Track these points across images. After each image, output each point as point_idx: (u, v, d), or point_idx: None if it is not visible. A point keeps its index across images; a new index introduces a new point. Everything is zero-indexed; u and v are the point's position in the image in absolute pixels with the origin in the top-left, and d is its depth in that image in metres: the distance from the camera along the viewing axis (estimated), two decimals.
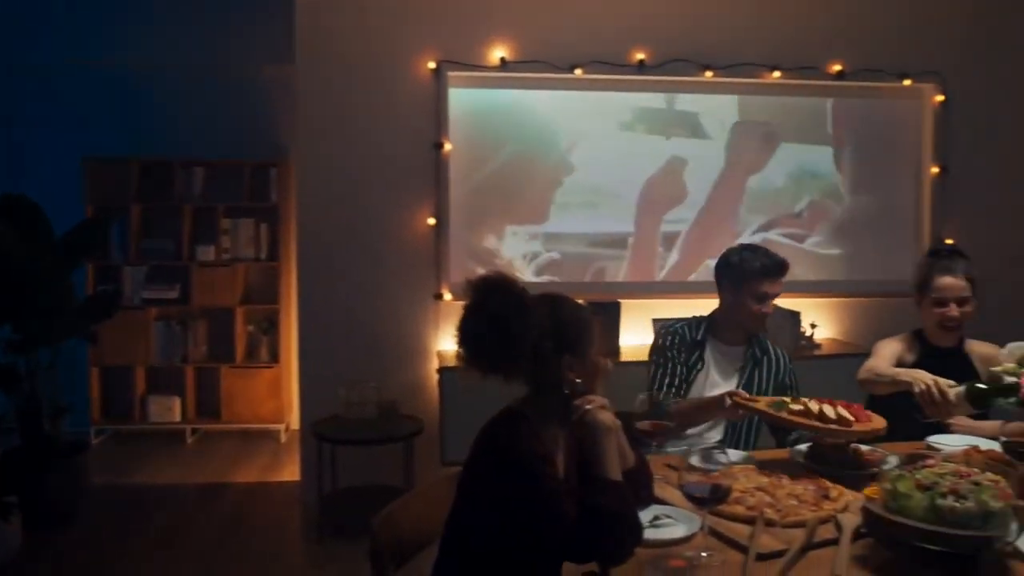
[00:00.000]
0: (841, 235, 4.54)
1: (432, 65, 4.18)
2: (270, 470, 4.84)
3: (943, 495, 1.54)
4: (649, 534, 1.70)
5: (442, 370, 3.94)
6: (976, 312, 2.68)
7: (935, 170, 4.52)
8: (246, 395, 5.39)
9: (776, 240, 4.44)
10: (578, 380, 1.71)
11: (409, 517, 1.95)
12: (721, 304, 2.76)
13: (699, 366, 2.71)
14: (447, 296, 4.27)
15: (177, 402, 5.38)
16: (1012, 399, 2.08)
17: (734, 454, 2.30)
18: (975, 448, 2.22)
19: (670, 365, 2.70)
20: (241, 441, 5.38)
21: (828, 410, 2.16)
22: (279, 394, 5.41)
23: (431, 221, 4.23)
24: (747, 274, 2.63)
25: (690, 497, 1.66)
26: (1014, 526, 1.55)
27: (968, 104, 4.48)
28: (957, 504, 1.52)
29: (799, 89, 4.42)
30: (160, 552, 3.69)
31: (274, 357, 5.45)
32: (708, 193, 4.44)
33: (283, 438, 5.41)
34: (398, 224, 4.23)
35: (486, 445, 1.70)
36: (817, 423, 2.12)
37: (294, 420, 5.22)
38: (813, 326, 4.26)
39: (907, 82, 4.44)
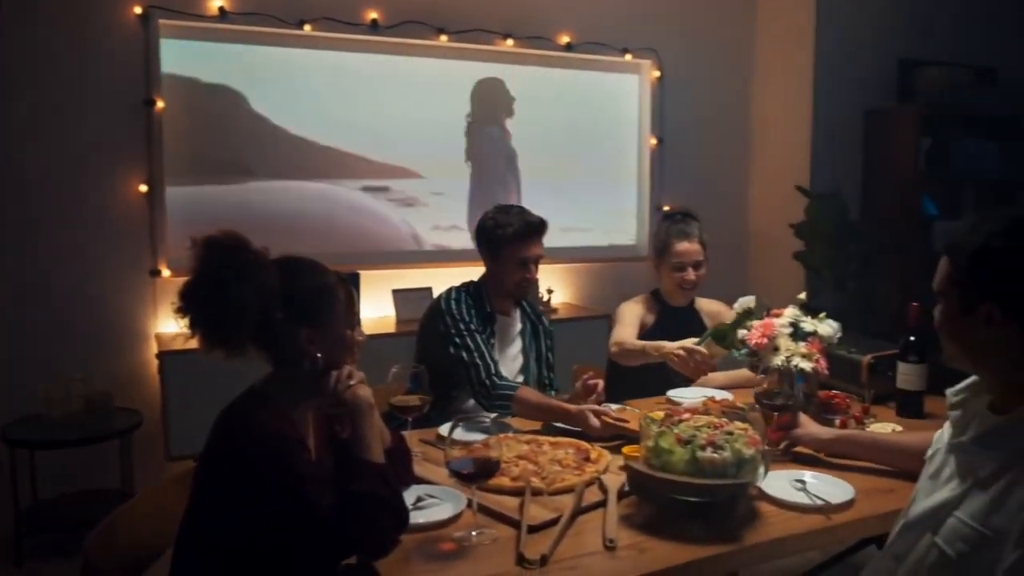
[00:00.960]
0: (572, 203, 4.70)
1: (139, 11, 3.66)
2: None
3: (702, 447, 1.57)
4: (414, 517, 1.57)
5: (162, 354, 3.50)
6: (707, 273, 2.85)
7: (653, 141, 4.81)
8: None
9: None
10: (319, 355, 1.52)
11: (131, 526, 1.66)
12: (486, 272, 2.63)
13: (492, 340, 2.57)
14: (165, 272, 3.81)
15: None
16: (744, 350, 2.22)
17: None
18: (711, 399, 2.35)
19: (468, 338, 2.44)
20: None
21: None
22: None
23: (143, 188, 3.73)
24: (503, 239, 2.52)
25: (457, 475, 1.55)
26: (761, 469, 1.62)
27: (680, 79, 4.82)
28: (716, 455, 1.56)
29: (531, 58, 4.48)
30: None
31: None
32: (444, 159, 4.37)
33: None
34: (106, 192, 3.69)
35: (225, 431, 1.46)
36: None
37: None
38: (550, 291, 4.37)
39: (628, 57, 4.67)
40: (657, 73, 4.77)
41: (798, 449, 1.96)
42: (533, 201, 4.64)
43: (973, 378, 1.47)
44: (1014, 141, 4.75)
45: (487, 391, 2.33)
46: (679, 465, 1.57)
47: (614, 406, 2.31)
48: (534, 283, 2.60)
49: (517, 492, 1.70)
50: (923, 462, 1.51)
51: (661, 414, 1.74)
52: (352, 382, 1.52)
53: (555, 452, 1.91)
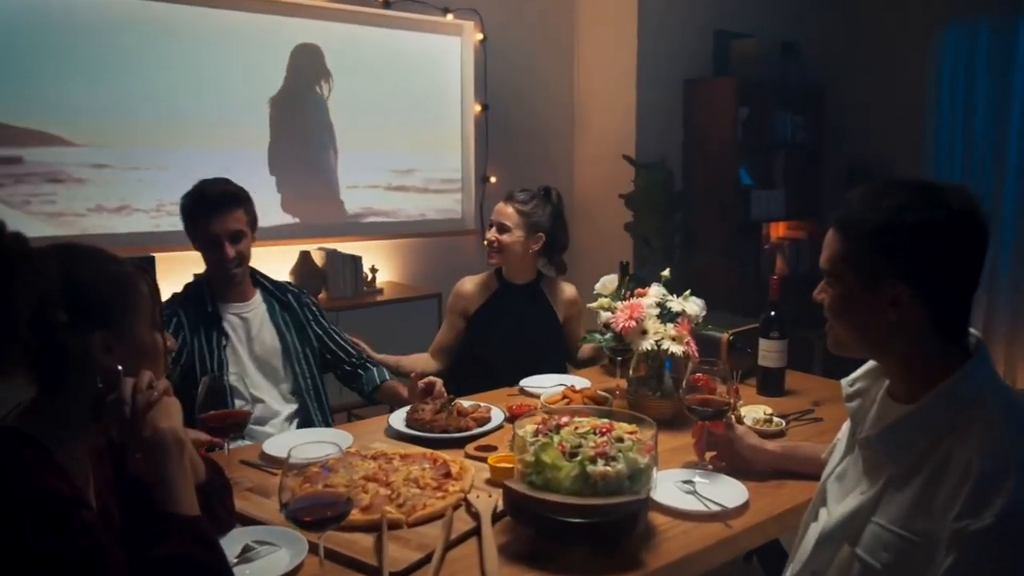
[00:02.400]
0: (393, 174, 4.36)
1: None
2: None
3: (591, 460, 1.34)
4: (241, 574, 1.23)
5: None
6: (526, 247, 2.61)
7: (477, 108, 4.56)
8: None
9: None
10: (120, 367, 1.14)
11: None
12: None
13: (224, 341, 2.22)
14: None
15: None
16: (608, 335, 2.02)
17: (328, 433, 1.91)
18: (571, 388, 2.15)
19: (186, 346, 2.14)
20: None
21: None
22: None
23: None
24: (185, 217, 2.19)
25: (297, 522, 1.22)
26: (654, 477, 1.42)
27: (503, 42, 4.58)
28: (608, 468, 1.33)
29: (348, 16, 4.06)
30: None
31: None
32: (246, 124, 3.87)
33: None
34: None
35: None
36: None
37: None
38: (374, 270, 4.03)
39: (449, 17, 4.36)
40: (480, 36, 4.49)
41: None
42: (351, 173, 4.32)
43: (869, 364, 1.34)
44: (818, 112, 4.96)
45: None
46: (566, 482, 1.33)
47: (467, 403, 2.05)
48: (234, 262, 2.19)
49: (372, 528, 1.40)
50: None
51: (530, 424, 1.48)
52: (155, 394, 1.15)
53: (409, 468, 1.62)
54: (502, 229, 2.56)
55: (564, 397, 2.11)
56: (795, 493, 1.58)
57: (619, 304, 1.99)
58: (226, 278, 2.23)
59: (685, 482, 1.59)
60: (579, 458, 1.34)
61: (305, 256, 3.84)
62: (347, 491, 1.26)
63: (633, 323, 1.93)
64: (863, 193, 1.23)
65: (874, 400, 1.30)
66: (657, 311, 1.97)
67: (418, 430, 1.91)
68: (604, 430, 1.44)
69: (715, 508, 1.48)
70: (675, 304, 1.98)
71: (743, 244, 4.74)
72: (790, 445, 1.75)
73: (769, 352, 2.18)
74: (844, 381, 1.36)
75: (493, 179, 4.60)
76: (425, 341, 2.80)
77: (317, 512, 1.21)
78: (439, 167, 4.55)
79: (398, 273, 4.35)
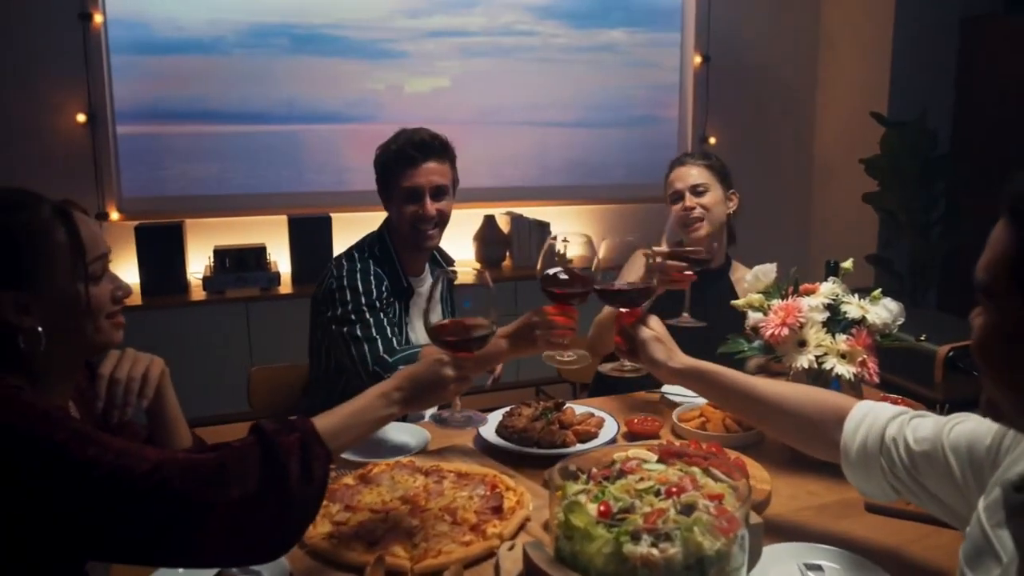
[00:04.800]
0: (595, 142, 4.00)
1: None
2: None
3: (635, 535, 0.94)
4: None
5: None
6: (724, 210, 2.13)
7: (698, 60, 4.04)
8: None
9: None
10: (40, 328, 1.02)
11: None
12: (387, 223, 2.00)
13: (406, 318, 1.97)
14: (114, 215, 3.31)
15: None
16: (756, 343, 1.55)
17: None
18: (713, 404, 1.71)
19: (370, 313, 1.84)
20: None
21: None
22: None
23: (81, 118, 3.21)
24: (388, 167, 1.91)
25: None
26: (741, 559, 0.99)
27: None
28: (654, 551, 0.93)
29: None
30: None
31: None
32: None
33: None
34: (38, 124, 3.18)
35: None
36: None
37: None
38: (565, 240, 3.71)
39: None
40: None
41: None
42: (546, 131, 3.98)
43: None
44: None
45: (385, 367, 1.75)
46: (597, 560, 0.95)
47: (580, 408, 1.69)
48: (432, 220, 1.91)
49: (359, 570, 1.11)
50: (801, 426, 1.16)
51: (592, 464, 1.10)
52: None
53: (456, 493, 1.31)
54: (698, 191, 2.07)
55: (701, 415, 1.68)
56: None
57: (775, 304, 1.51)
58: (417, 239, 1.94)
59: (808, 567, 1.13)
60: (618, 531, 0.95)
61: (489, 220, 3.63)
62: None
63: (786, 330, 1.44)
64: None
65: None
66: (823, 316, 1.46)
67: (506, 438, 1.59)
68: (678, 489, 1.03)
69: None
70: (852, 308, 1.46)
71: None
72: (705, 366, 1.31)
73: None
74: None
75: (712, 140, 4.08)
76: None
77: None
78: (649, 125, 4.12)
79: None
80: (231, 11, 3.41)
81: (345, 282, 1.86)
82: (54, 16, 3.12)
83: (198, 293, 3.20)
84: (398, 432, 1.66)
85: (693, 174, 2.07)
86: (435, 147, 1.90)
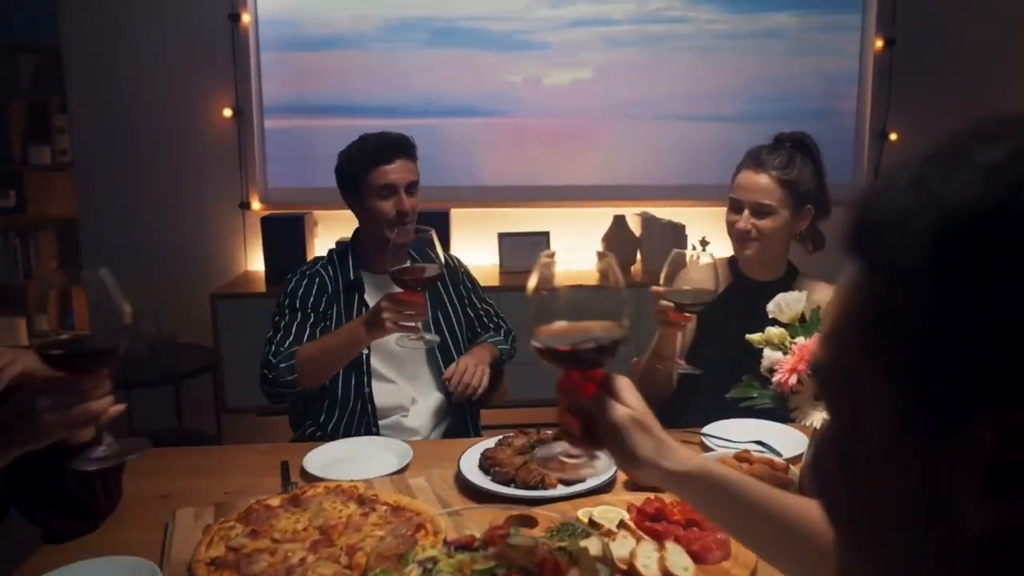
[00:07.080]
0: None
1: None
2: None
3: None
4: None
5: (214, 297, 3.15)
6: (791, 229, 1.82)
7: (879, 43, 3.53)
8: None
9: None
10: None
11: None
12: (358, 226, 2.03)
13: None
14: (256, 205, 3.49)
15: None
16: (771, 389, 1.25)
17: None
18: (746, 452, 1.44)
19: (281, 318, 1.90)
20: None
21: None
22: None
23: (227, 113, 3.40)
24: (358, 166, 1.91)
25: None
26: None
27: None
28: None
29: None
30: None
31: None
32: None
33: None
34: (189, 118, 3.42)
35: None
36: None
37: None
38: (704, 243, 3.40)
39: None
40: None
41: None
42: (686, 124, 3.63)
43: None
44: None
45: (270, 369, 1.78)
46: None
47: None
48: (410, 216, 1.90)
49: None
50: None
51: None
52: None
53: (373, 531, 1.17)
54: (760, 212, 1.80)
55: (738, 459, 1.41)
56: None
57: (798, 342, 1.21)
58: (401, 235, 1.83)
59: None
60: None
61: (619, 220, 3.40)
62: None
63: (795, 379, 1.14)
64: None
65: None
66: None
67: (485, 470, 1.42)
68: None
69: None
70: None
71: None
72: (730, 477, 0.85)
73: None
74: None
75: (894, 135, 3.56)
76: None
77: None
78: (821, 120, 3.66)
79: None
80: (374, 7, 3.46)
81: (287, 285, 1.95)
82: (206, 18, 3.32)
83: None
84: (382, 449, 1.55)
85: (762, 186, 1.76)
86: (404, 146, 1.91)
